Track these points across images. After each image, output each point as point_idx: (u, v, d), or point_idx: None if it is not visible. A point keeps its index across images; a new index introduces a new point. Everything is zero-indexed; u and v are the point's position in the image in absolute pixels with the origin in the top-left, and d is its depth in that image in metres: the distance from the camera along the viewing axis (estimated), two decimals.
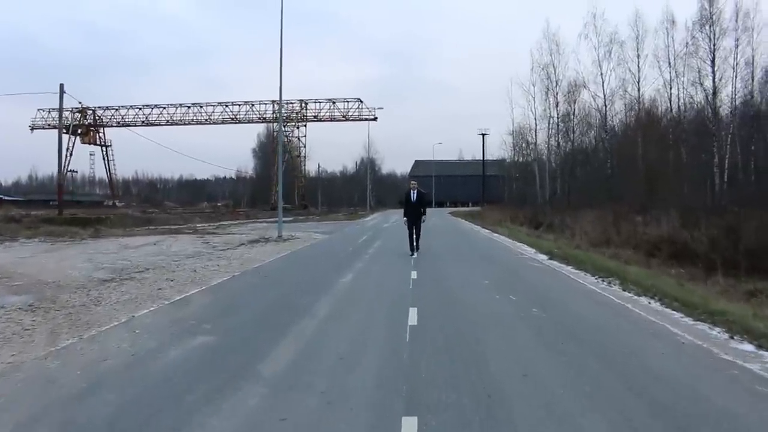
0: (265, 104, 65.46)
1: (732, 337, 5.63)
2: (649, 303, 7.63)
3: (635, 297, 8.11)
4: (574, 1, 72.55)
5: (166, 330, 6.01)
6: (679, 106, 33.14)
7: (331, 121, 67.46)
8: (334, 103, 66.08)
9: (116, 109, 67.34)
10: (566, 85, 39.72)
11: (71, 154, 65.34)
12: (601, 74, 36.50)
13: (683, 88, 32.62)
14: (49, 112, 61.69)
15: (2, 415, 3.59)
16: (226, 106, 66.53)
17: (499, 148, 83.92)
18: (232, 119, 66.99)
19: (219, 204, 76.91)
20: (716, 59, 29.96)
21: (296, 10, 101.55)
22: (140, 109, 67.11)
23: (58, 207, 38.94)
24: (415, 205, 14.00)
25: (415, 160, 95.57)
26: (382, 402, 3.80)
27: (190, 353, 5.11)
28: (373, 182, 78.46)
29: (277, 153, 30.85)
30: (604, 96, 36.67)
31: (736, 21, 29.62)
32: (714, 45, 29.99)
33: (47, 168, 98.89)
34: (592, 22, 36.74)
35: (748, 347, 5.26)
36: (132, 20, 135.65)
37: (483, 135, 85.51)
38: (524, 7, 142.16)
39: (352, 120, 65.90)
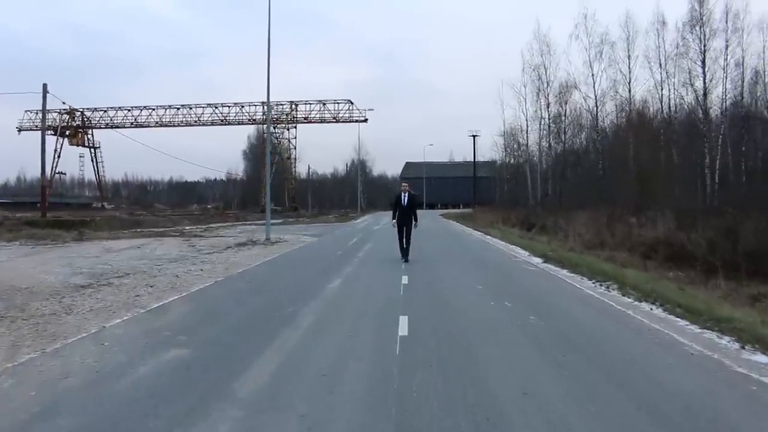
0: (255, 106, 64.78)
1: (743, 347, 5.30)
2: (651, 309, 7.29)
3: (635, 303, 7.78)
4: (565, 2, 72.71)
5: (138, 342, 5.58)
6: (670, 107, 33.16)
7: (321, 122, 66.90)
8: (324, 104, 65.59)
9: (104, 111, 66.31)
10: (557, 86, 39.72)
11: (59, 156, 64.61)
12: (592, 75, 36.50)
13: (674, 89, 32.65)
14: (36, 113, 60.52)
15: None
16: (216, 107, 65.81)
17: (490, 150, 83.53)
18: (222, 121, 66.23)
19: (209, 206, 75.92)
20: (707, 60, 29.97)
21: (287, 12, 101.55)
22: (129, 110, 66.11)
23: (41, 209, 38.13)
24: (406, 208, 13.30)
25: (406, 162, 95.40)
26: (369, 427, 3.42)
27: (161, 369, 4.70)
28: (364, 184, 78.10)
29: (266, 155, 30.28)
30: (596, 97, 36.67)
31: (726, 22, 29.69)
32: (704, 46, 30.00)
33: (36, 170, 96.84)
34: (583, 22, 36.76)
35: (762, 359, 4.93)
36: (122, 21, 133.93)
37: (474, 136, 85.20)
38: (515, 9, 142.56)
39: (343, 121, 65.40)
